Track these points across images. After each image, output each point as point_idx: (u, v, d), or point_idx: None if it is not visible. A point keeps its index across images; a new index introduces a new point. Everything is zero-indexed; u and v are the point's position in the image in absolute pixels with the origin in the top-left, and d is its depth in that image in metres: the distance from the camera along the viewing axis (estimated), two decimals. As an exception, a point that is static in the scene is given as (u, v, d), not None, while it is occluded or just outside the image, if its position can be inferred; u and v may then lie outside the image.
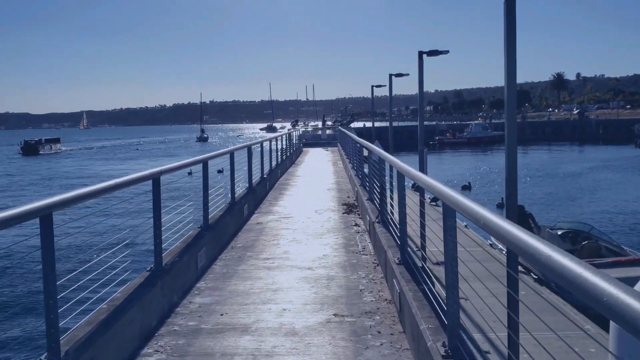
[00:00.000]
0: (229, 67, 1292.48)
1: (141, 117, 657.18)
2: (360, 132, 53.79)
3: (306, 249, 8.40)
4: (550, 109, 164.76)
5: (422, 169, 11.88)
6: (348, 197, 14.00)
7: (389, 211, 8.13)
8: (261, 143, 15.05)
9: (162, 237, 6.25)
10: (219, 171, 16.50)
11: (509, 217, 3.96)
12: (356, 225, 10.24)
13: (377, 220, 8.18)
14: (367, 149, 10.95)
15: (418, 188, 24.16)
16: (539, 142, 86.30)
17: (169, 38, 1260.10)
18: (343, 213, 11.55)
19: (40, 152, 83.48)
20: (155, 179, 5.82)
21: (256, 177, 14.55)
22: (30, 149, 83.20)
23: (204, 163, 8.12)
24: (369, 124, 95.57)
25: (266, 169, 16.54)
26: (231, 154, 10.32)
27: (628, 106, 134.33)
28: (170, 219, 7.01)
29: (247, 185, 12.52)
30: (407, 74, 23.68)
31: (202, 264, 7.24)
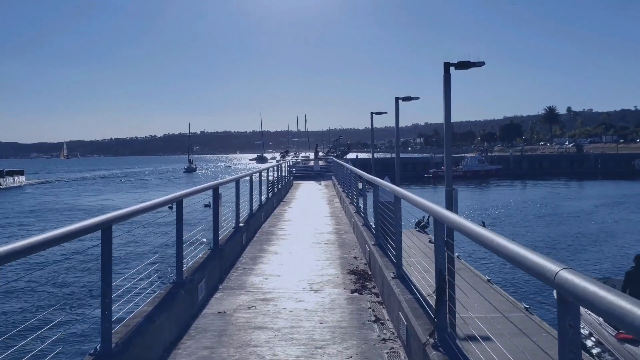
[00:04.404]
0: (220, 97, 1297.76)
1: (131, 147, 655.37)
2: (353, 163, 50.44)
3: (296, 388, 4.48)
4: (542, 143, 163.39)
5: (452, 210, 8.20)
6: (355, 257, 10.09)
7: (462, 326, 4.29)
8: (236, 181, 11.14)
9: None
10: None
11: None
12: (377, 320, 6.31)
13: (432, 339, 4.31)
14: (392, 193, 7.13)
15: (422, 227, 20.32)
16: (536, 176, 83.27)
17: (161, 68, 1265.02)
18: (352, 292, 7.63)
19: (1, 186, 75.65)
20: None
21: (229, 228, 10.70)
22: None
23: (104, 230, 4.25)
24: (361, 155, 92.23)
25: (244, 213, 12.69)
26: (178, 203, 6.43)
27: (621, 140, 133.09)
28: None
29: (211, 244, 8.62)
30: (417, 98, 20.27)
31: None
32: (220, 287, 7.97)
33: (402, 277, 6.34)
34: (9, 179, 79.82)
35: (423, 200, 4.85)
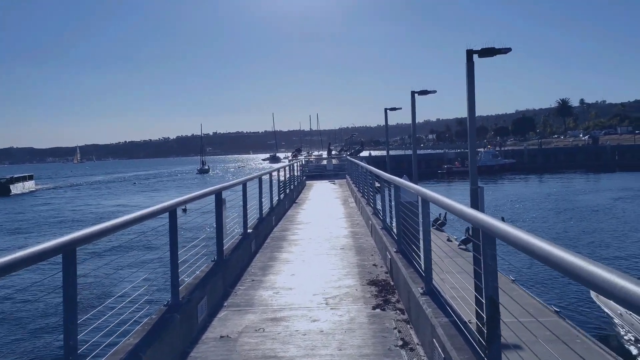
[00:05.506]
0: (232, 98, 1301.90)
1: (145, 149, 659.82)
2: (367, 161, 49.62)
3: None
4: (556, 136, 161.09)
5: (478, 209, 7.31)
6: (374, 265, 9.18)
7: None
8: (243, 183, 10.27)
9: None
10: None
11: None
12: (405, 345, 5.39)
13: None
14: (417, 194, 6.23)
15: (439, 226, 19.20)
16: (551, 170, 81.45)
17: (172, 70, 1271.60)
18: (374, 307, 6.72)
19: (12, 192, 72.81)
20: None
21: (236, 235, 9.85)
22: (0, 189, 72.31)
23: (66, 253, 3.38)
24: (374, 153, 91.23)
25: (253, 218, 11.84)
26: (171, 212, 5.57)
27: (637, 131, 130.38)
28: None
29: (215, 256, 7.76)
30: (434, 91, 19.34)
31: None
32: (225, 304, 7.09)
33: (433, 294, 5.42)
34: (19, 185, 77.11)
35: (465, 208, 3.91)
